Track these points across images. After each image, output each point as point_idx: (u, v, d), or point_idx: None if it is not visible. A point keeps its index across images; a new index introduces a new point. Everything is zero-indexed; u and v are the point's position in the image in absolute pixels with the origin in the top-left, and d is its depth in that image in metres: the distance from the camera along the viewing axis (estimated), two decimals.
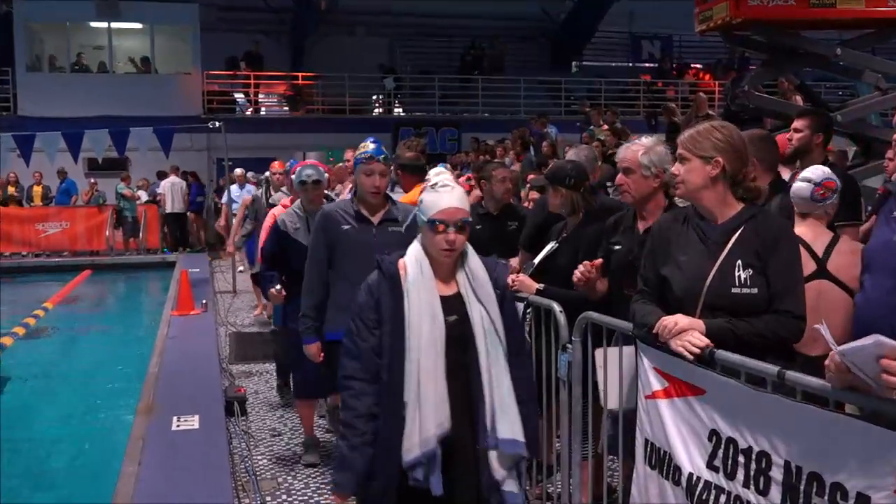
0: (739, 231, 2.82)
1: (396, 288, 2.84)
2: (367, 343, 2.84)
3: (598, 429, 3.71)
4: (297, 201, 5.47)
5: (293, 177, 5.35)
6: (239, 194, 13.10)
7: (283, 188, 8.28)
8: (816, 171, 3.73)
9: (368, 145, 4.40)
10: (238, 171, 14.23)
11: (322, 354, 4.55)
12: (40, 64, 22.35)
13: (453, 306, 2.84)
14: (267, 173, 9.28)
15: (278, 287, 5.12)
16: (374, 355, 2.83)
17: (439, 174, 3.03)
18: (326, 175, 5.93)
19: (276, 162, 9.22)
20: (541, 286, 4.15)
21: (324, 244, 4.41)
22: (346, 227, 4.36)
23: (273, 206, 7.30)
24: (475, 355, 2.80)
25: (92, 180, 18.81)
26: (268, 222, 6.28)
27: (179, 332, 8.95)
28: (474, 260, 2.92)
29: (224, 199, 13.52)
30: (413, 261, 2.88)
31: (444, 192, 2.85)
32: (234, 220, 10.79)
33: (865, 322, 2.97)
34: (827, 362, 2.25)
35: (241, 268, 13.42)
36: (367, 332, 2.85)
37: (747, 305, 2.74)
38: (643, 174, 3.60)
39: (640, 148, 3.66)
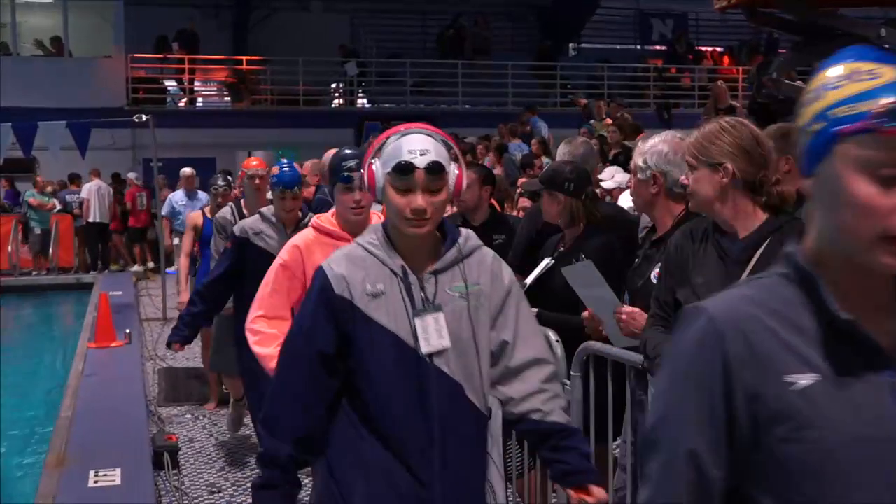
0: (763, 247, 2.82)
1: None
2: None
3: (604, 480, 3.71)
4: (327, 215, 3.63)
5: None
6: (186, 204, 11.74)
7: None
8: None
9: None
10: (186, 170, 12.77)
11: None
12: None
13: None
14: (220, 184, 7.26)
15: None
16: None
17: None
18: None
19: (253, 159, 6.82)
20: (534, 310, 4.17)
21: None
22: None
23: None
24: None
25: None
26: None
27: (98, 367, 8.85)
28: None
29: (165, 210, 12.41)
30: None
31: None
32: (181, 252, 7.87)
33: None
34: None
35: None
36: None
37: None
38: (640, 178, 3.58)
39: (644, 145, 3.65)
